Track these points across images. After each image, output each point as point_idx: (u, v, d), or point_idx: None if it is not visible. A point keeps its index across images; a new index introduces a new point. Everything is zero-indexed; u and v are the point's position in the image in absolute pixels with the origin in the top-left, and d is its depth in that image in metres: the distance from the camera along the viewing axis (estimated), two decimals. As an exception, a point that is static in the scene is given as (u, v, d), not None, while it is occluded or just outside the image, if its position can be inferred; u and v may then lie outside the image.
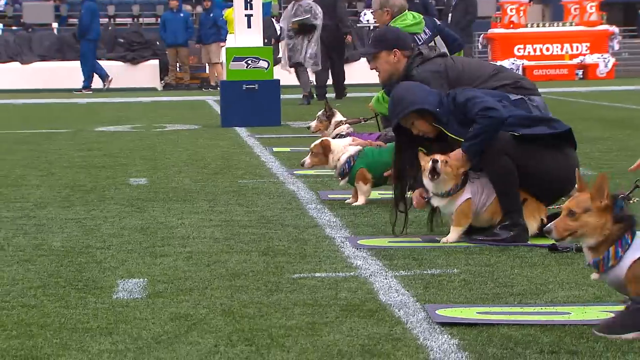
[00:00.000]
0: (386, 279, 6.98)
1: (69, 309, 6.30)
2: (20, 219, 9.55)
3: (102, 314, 6.17)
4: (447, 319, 5.89)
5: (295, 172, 12.52)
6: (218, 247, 8.14)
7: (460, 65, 9.33)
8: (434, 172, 8.08)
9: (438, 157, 8.10)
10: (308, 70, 25.69)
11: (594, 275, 5.80)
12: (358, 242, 8.25)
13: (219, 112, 20.26)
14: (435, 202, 8.28)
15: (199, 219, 9.43)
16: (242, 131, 18.52)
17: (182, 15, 34.62)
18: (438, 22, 13.17)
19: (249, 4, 19.85)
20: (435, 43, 11.87)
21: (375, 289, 6.69)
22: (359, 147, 10.08)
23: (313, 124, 11.69)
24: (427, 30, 12.00)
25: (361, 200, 10.04)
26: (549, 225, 5.63)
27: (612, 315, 5.70)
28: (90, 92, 32.64)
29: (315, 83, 26.06)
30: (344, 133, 11.54)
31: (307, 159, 10.24)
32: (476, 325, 5.78)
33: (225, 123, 19.67)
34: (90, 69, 33.27)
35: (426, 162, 8.14)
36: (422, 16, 12.24)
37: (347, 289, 6.71)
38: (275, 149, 15.23)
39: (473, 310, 6.11)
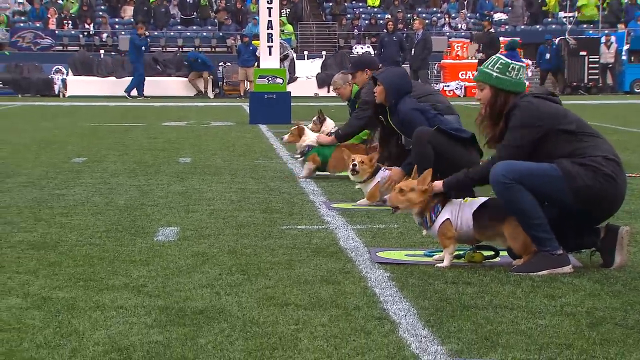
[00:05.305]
0: (346, 230, 6.93)
1: (122, 247, 6.26)
2: (98, 184, 9.50)
3: (144, 251, 6.12)
4: (383, 259, 5.84)
5: (295, 155, 12.41)
6: (233, 206, 8.09)
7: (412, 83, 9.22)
8: (354, 170, 8.26)
9: (357, 158, 8.27)
10: None
11: (424, 232, 5.82)
12: (331, 205, 8.19)
13: (249, 113, 20.15)
14: (357, 185, 8.42)
15: (222, 186, 9.36)
16: (263, 127, 18.42)
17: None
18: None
19: (270, 39, 19.78)
20: None
21: (338, 238, 6.63)
22: (315, 143, 10.04)
23: (310, 125, 11.47)
24: None
25: (304, 173, 10.03)
26: (386, 196, 5.85)
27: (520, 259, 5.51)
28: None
29: None
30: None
31: (286, 136, 10.31)
32: (403, 264, 5.73)
33: (252, 121, 19.58)
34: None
35: (350, 160, 8.29)
36: None
37: (318, 237, 6.66)
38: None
39: (403, 253, 6.05)
